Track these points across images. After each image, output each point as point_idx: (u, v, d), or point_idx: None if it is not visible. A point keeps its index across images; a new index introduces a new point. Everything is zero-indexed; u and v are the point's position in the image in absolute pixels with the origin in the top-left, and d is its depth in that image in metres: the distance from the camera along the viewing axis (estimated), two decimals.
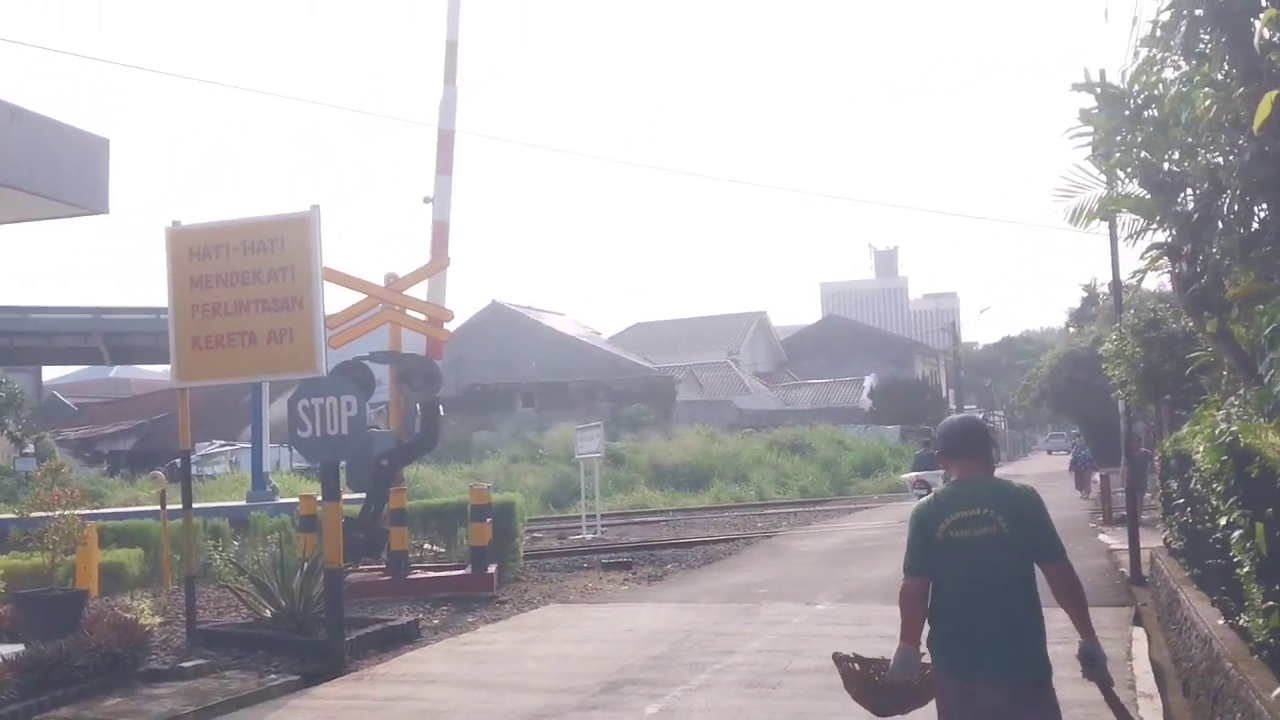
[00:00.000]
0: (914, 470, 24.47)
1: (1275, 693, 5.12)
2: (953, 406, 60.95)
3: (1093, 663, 4.33)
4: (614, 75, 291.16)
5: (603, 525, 23.39)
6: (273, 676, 8.91)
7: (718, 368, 59.50)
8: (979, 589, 4.19)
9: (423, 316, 14.39)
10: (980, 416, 5.21)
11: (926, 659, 4.37)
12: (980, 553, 4.18)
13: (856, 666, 4.67)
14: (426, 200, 15.70)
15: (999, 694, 4.12)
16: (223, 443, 38.20)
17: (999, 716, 4.13)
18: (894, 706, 4.56)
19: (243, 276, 9.60)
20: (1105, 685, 4.40)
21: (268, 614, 10.46)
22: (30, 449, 31.48)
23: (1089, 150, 8.60)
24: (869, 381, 59.12)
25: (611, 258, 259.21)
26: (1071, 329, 49.95)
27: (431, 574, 14.12)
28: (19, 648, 8.36)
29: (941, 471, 4.93)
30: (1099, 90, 7.97)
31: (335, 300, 13.32)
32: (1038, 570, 4.22)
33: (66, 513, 10.24)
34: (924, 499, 4.52)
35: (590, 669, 8.87)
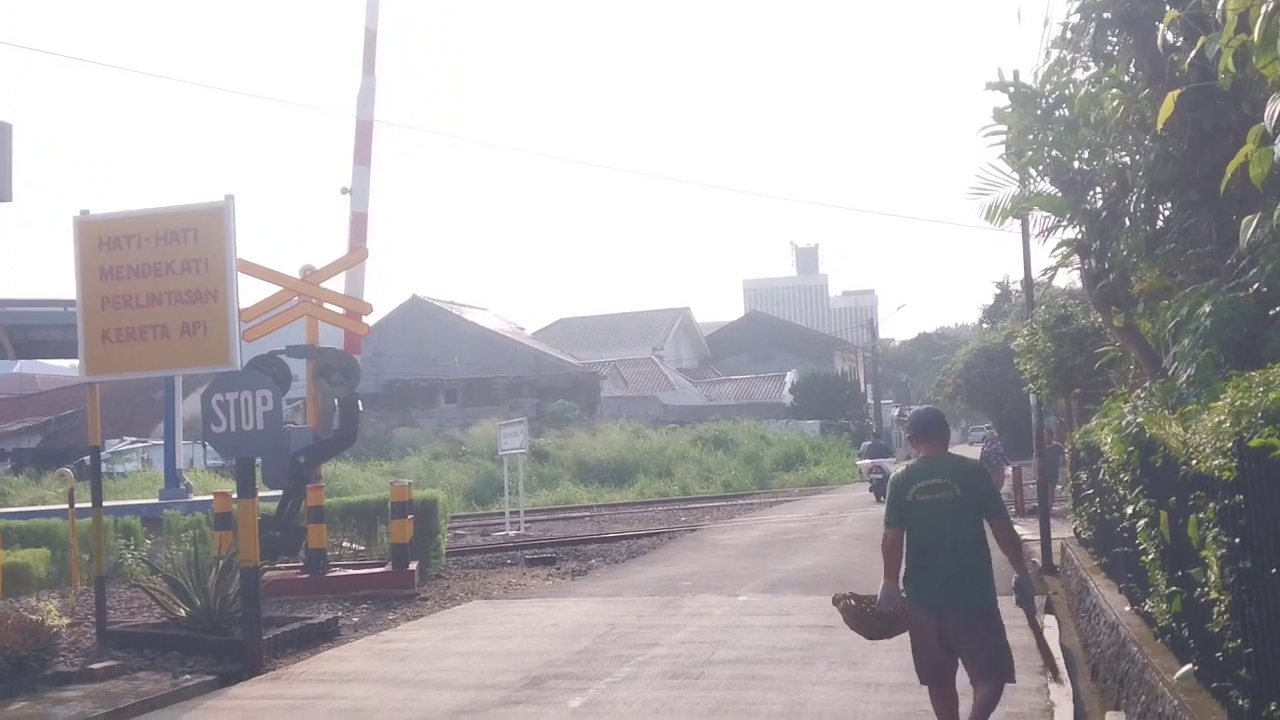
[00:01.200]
0: (868, 458, 27.95)
1: (1178, 674, 5.31)
2: (870, 401, 62.02)
3: (1023, 592, 5.83)
4: (538, 66, 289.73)
5: (527, 522, 23.31)
6: (187, 677, 8.71)
7: (642, 363, 59.65)
8: (940, 539, 5.51)
9: (341, 310, 14.18)
10: (936, 408, 6.13)
11: (904, 595, 5.63)
12: (940, 511, 5.51)
13: (853, 602, 5.88)
14: (344, 191, 15.49)
15: (957, 616, 5.50)
16: (134, 439, 37.14)
17: (957, 634, 5.51)
18: (883, 632, 5.89)
19: (155, 268, 9.34)
20: (1029, 612, 6.00)
21: (182, 613, 10.22)
22: None
23: (1003, 149, 8.83)
24: (790, 377, 59.81)
25: (536, 253, 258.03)
26: (985, 325, 51.21)
27: (351, 572, 13.92)
28: None
29: (891, 459, 11.07)
30: (1012, 90, 8.18)
31: (250, 293, 13.09)
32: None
33: None
34: (899, 470, 5.91)
35: (514, 664, 8.84)
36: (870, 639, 6.08)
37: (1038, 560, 14.01)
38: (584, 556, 17.10)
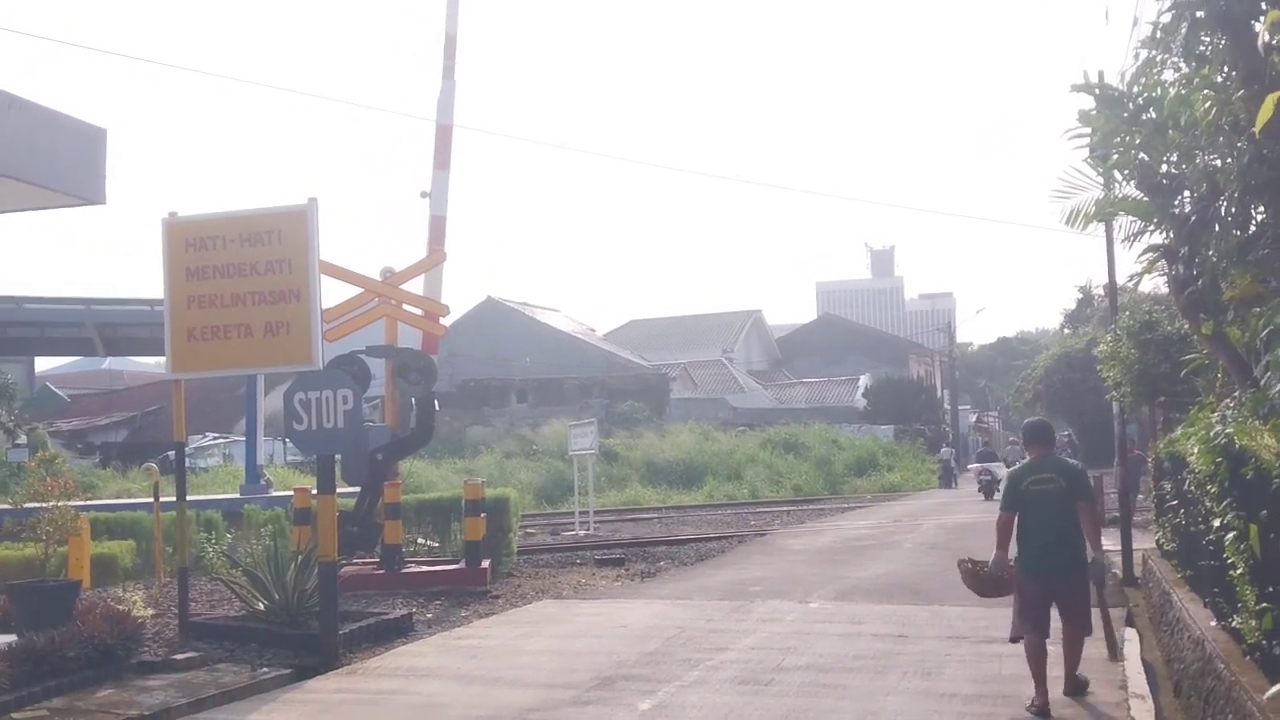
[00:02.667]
0: (978, 462, 34.31)
1: (1268, 694, 5.14)
2: (947, 407, 61.07)
3: (1096, 566, 7.45)
4: (613, 70, 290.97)
5: (596, 522, 23.40)
6: (265, 670, 8.89)
7: (712, 365, 59.47)
8: (1046, 520, 7.20)
9: (419, 311, 14.38)
10: (1044, 419, 8.96)
11: (1012, 564, 7.36)
12: (1048, 499, 7.21)
13: (970, 565, 7.85)
14: (424, 195, 15.69)
15: (1057, 578, 7.20)
16: (216, 435, 38.10)
17: (1057, 591, 7.20)
18: (992, 591, 7.78)
19: (239, 269, 9.57)
20: (1099, 585, 7.68)
21: (261, 607, 10.44)
22: (22, 440, 31.36)
23: (1087, 152, 8.62)
24: (864, 381, 59.14)
25: (607, 254, 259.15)
26: (1067, 330, 50.12)
27: (425, 568, 14.11)
28: (12, 638, 8.36)
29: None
30: (1098, 92, 7.99)
31: (332, 294, 13.31)
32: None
33: (60, 504, 10.21)
34: (1015, 466, 8.02)
35: (584, 664, 8.87)
36: (981, 596, 7.99)
37: (1118, 571, 13.68)
38: (652, 558, 17.11)
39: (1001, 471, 31.00)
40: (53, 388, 47.65)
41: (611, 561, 16.48)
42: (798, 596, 12.38)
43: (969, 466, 38.60)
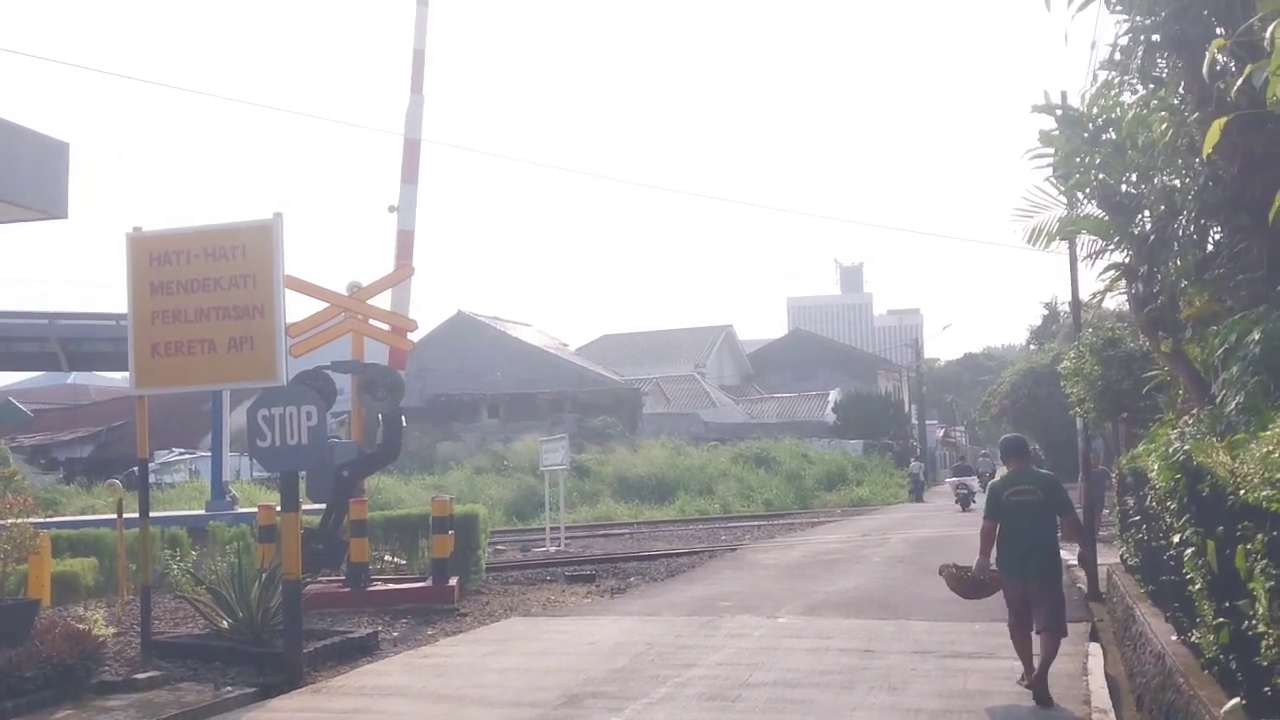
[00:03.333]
0: (954, 476, 36.58)
1: (1225, 707, 5.20)
2: (914, 421, 61.44)
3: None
4: (586, 86, 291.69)
5: (567, 538, 23.33)
6: (229, 688, 8.80)
7: (684, 380, 59.58)
8: (1025, 528, 7.76)
9: (386, 326, 14.32)
10: (1020, 435, 9.43)
11: (994, 568, 7.97)
12: (1026, 509, 7.77)
13: (954, 570, 8.38)
14: (392, 209, 15.66)
15: (1035, 582, 7.73)
16: (182, 451, 37.70)
17: (1035, 594, 7.73)
18: (976, 593, 8.36)
19: (204, 284, 9.49)
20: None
21: (225, 625, 10.34)
22: None
23: (1049, 171, 8.72)
24: (834, 396, 59.42)
25: (580, 269, 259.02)
26: (1032, 346, 50.60)
27: (392, 586, 14.00)
28: None
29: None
30: (1059, 112, 8.10)
31: (297, 308, 13.24)
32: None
33: (19, 521, 10.05)
34: (995, 479, 8.37)
35: (551, 682, 8.84)
36: (966, 599, 8.58)
37: (1084, 586, 13.79)
38: (623, 574, 17.08)
39: (976, 484, 33.93)
40: (15, 402, 46.94)
41: (582, 578, 16.43)
42: (766, 611, 12.40)
43: (946, 480, 42.96)
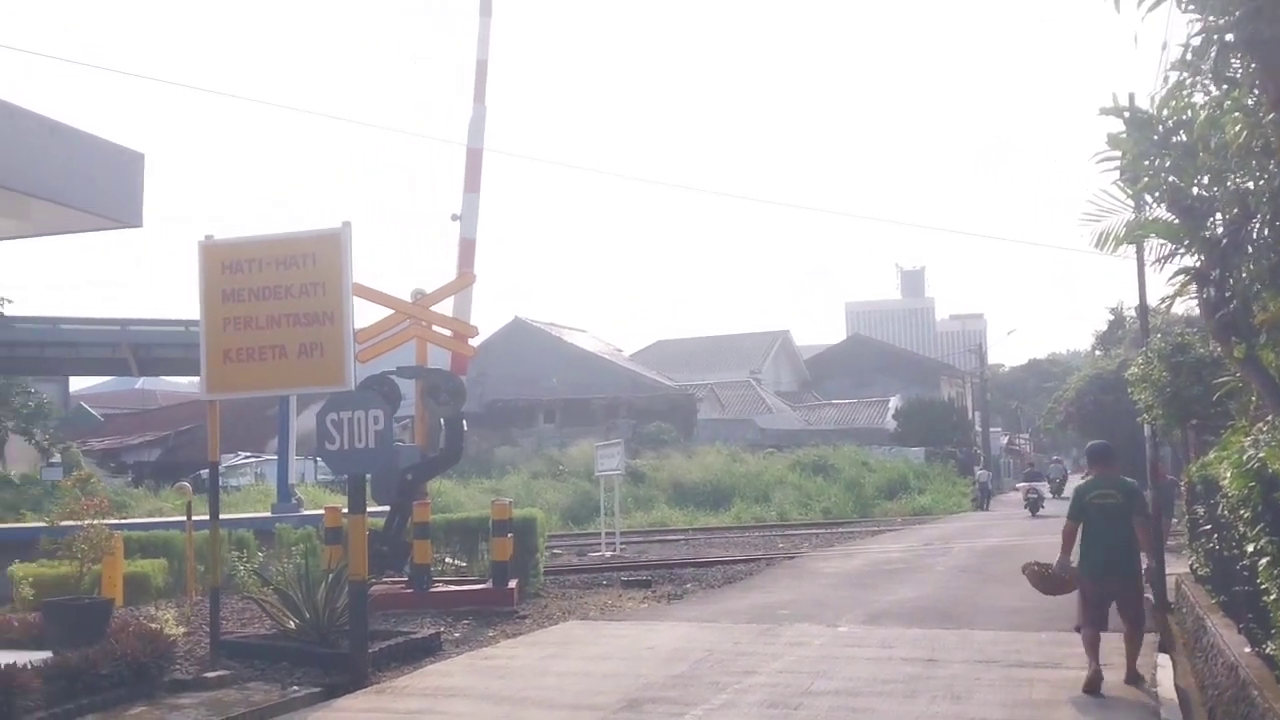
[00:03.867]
0: (1025, 482, 37.81)
1: None
2: (978, 429, 60.61)
3: (1154, 572, 9.25)
4: (643, 92, 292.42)
5: (622, 543, 23.38)
6: (295, 688, 8.96)
7: (740, 386, 59.39)
8: (1106, 530, 8.29)
9: (448, 332, 14.50)
10: (1105, 441, 9.83)
11: (1074, 565, 8.55)
12: (1108, 512, 8.29)
13: (1036, 567, 9.04)
14: (454, 218, 15.87)
15: (1116, 582, 8.32)
16: (247, 454, 38.40)
17: (1116, 593, 8.33)
18: (1055, 590, 9.02)
19: (274, 291, 9.67)
20: (1158, 589, 9.94)
21: (291, 625, 10.51)
22: (57, 459, 31.75)
23: (1116, 175, 8.58)
24: (894, 402, 58.84)
25: (635, 275, 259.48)
26: (1098, 352, 49.67)
27: (453, 588, 14.16)
28: (47, 655, 8.45)
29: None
30: (1127, 114, 7.96)
31: (363, 315, 13.45)
32: None
33: (95, 523, 10.35)
34: (1081, 482, 8.93)
35: (611, 686, 8.88)
36: (1045, 594, 9.22)
37: (1151, 596, 13.52)
38: (679, 580, 17.08)
39: (1046, 490, 37.04)
40: (87, 407, 48.23)
41: (638, 583, 16.47)
42: (827, 620, 12.33)
43: (1016, 485, 44.61)
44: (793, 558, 21.03)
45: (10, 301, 26.51)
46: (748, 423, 53.31)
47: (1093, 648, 8.23)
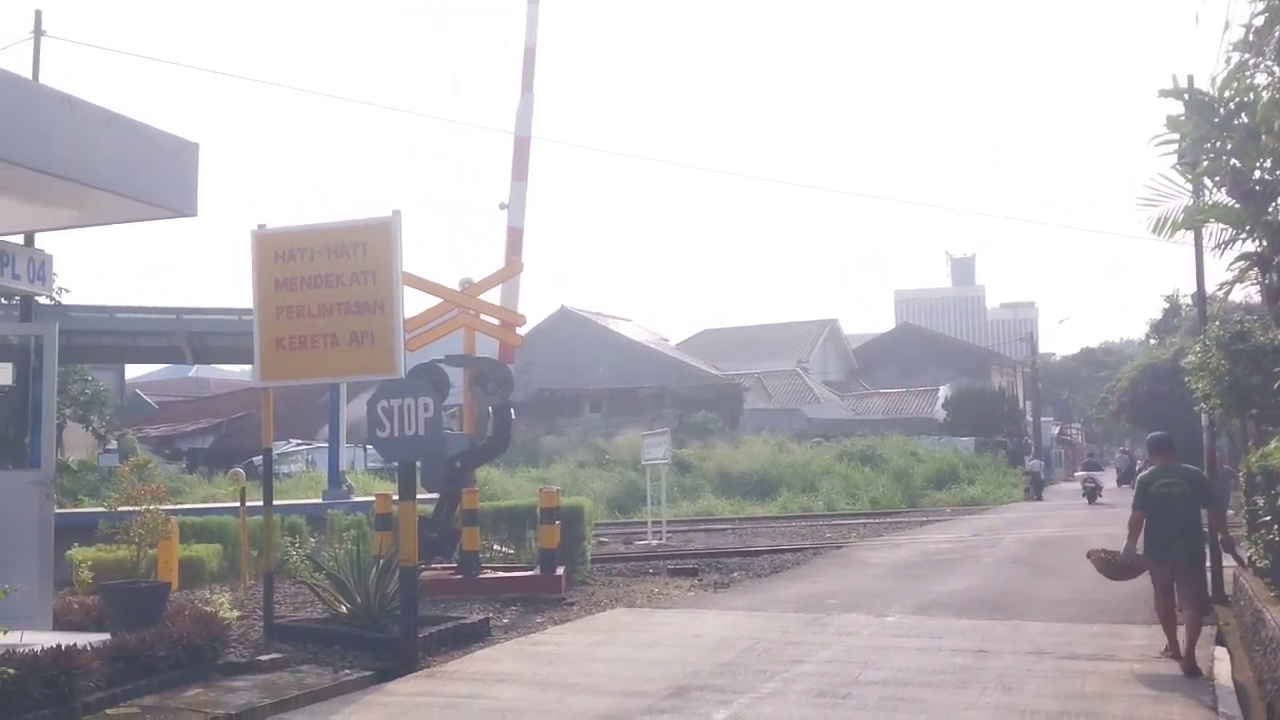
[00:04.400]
0: (1084, 470, 41.54)
1: None
2: (1029, 419, 59.87)
3: (1226, 545, 9.06)
4: (690, 79, 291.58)
5: (669, 532, 23.41)
6: (347, 672, 9.06)
7: (787, 376, 59.13)
8: (1170, 517, 8.60)
9: (496, 321, 14.56)
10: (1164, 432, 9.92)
11: (1139, 553, 8.90)
12: (1172, 500, 8.60)
13: (1104, 554, 9.39)
14: (502, 206, 15.90)
15: (1181, 564, 8.64)
16: (298, 442, 38.95)
17: (1180, 576, 8.64)
18: (1122, 575, 9.43)
19: (326, 280, 9.75)
20: (1230, 550, 9.16)
21: (343, 610, 10.64)
22: (113, 445, 32.43)
23: (1175, 159, 8.42)
24: (943, 392, 58.29)
25: (682, 263, 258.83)
26: (1153, 340, 48.85)
27: (501, 574, 14.26)
28: (105, 637, 8.61)
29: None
30: (1187, 97, 7.81)
31: (412, 304, 13.54)
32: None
33: (151, 508, 10.53)
34: (1145, 471, 9.38)
35: (659, 673, 8.89)
36: (1112, 579, 9.60)
37: (1208, 589, 13.28)
38: (726, 569, 17.06)
39: (1104, 479, 38.24)
40: (142, 395, 49.18)
41: (685, 571, 16.47)
42: (875, 610, 12.25)
43: (1074, 474, 47.38)
44: (840, 547, 20.93)
45: (68, 291, 27.04)
46: (795, 412, 53.09)
47: (1168, 622, 8.67)
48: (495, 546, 16.29)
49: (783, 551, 19.78)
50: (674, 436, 30.51)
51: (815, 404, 55.96)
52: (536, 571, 13.98)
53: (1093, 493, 34.60)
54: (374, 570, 10.55)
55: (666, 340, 63.26)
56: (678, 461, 34.14)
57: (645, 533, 23.09)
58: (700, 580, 15.75)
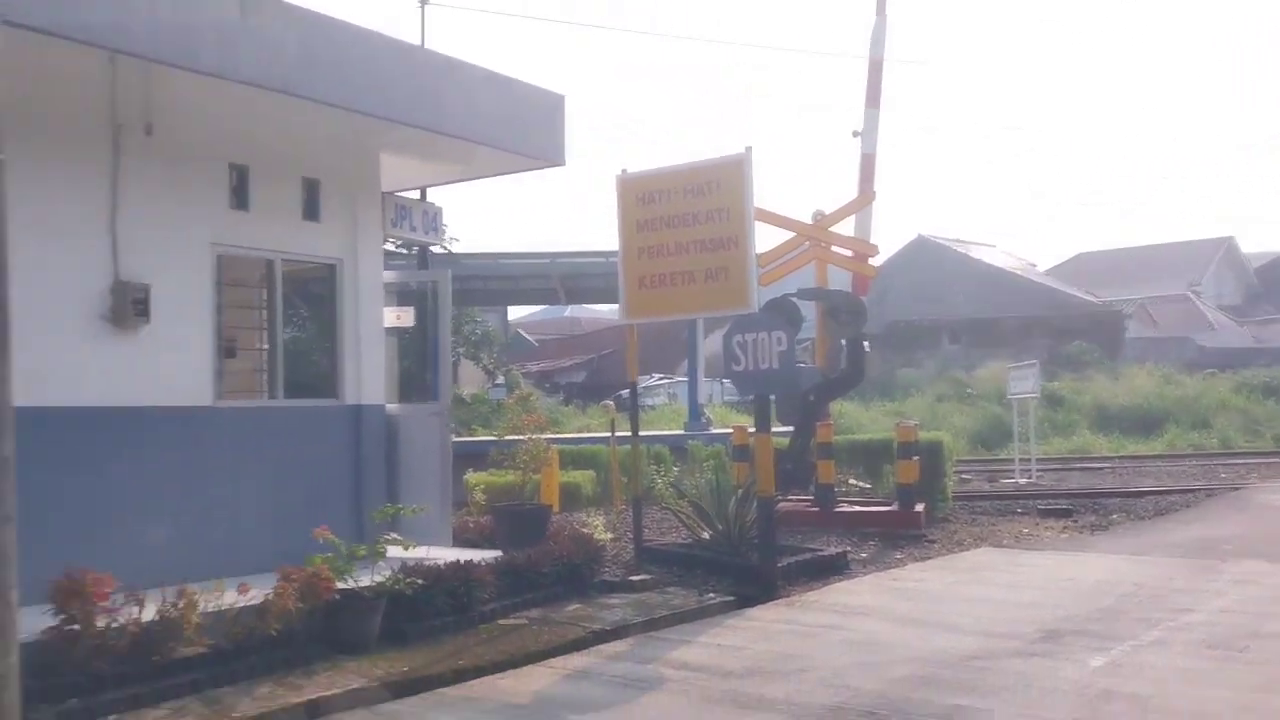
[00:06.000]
0: None
1: None
2: None
3: None
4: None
5: (1038, 470, 22.21)
6: (710, 595, 9.44)
7: (1175, 300, 53.86)
8: None
9: (848, 252, 14.36)
10: None
11: None
12: None
13: None
14: (855, 134, 15.61)
15: None
16: (660, 376, 40.74)
17: None
18: None
19: (683, 219, 10.05)
20: None
21: (705, 536, 11.08)
22: (501, 380, 35.61)
23: None
24: None
25: (1048, 183, 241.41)
26: None
27: (858, 508, 14.22)
28: (496, 553, 9.52)
29: None
30: None
31: (764, 239, 13.64)
32: None
33: (534, 436, 11.48)
34: None
35: (1025, 615, 8.53)
36: None
37: None
38: (1103, 510, 15.95)
39: None
40: (523, 333, 53.47)
41: (1057, 512, 15.60)
42: (1278, 558, 11.02)
43: None
44: (1237, 489, 18.93)
45: (457, 240, 29.82)
46: (1185, 341, 48.30)
47: None
48: (851, 480, 16.26)
49: (1170, 492, 18.18)
50: (1043, 369, 28.75)
51: (1209, 331, 50.64)
52: (895, 507, 13.81)
53: None
54: (733, 499, 10.89)
55: (1034, 266, 59.56)
56: (1048, 395, 32.18)
57: (1012, 470, 22.05)
58: (1074, 521, 14.86)
